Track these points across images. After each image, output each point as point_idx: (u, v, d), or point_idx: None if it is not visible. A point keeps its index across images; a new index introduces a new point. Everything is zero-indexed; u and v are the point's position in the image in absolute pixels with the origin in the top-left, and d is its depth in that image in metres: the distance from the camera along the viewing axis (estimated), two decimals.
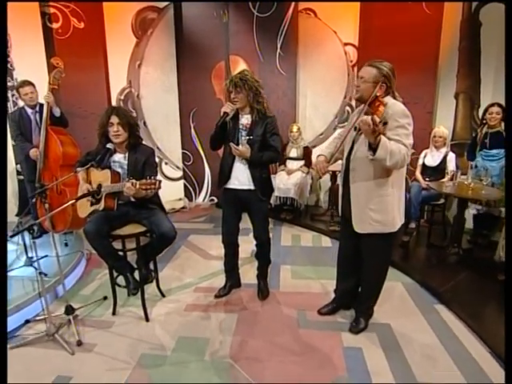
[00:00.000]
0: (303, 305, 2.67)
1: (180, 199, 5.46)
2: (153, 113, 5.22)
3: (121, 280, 2.57)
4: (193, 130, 5.35)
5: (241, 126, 2.50)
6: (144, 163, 2.47)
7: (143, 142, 2.63)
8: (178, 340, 2.29)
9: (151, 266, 2.64)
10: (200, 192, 5.64)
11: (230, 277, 2.87)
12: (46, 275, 2.49)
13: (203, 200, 5.64)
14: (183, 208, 5.29)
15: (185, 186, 5.58)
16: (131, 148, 2.50)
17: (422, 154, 3.85)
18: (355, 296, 2.52)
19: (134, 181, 2.15)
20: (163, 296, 2.81)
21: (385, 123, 1.68)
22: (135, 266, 2.54)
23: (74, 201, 2.25)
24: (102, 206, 2.37)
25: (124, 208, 2.46)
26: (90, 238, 2.32)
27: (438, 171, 3.71)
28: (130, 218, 2.50)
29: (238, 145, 2.46)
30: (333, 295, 2.65)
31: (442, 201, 3.77)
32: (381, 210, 2.07)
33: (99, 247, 2.37)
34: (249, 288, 2.92)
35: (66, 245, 3.42)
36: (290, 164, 4.64)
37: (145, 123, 5.16)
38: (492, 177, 3.36)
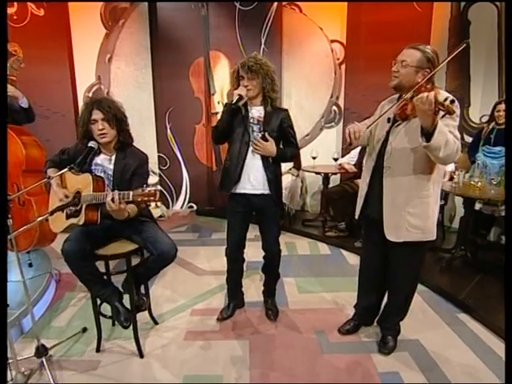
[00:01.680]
0: (320, 324, 2.37)
1: (157, 207, 4.97)
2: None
3: (105, 308, 2.12)
4: (169, 131, 4.91)
5: (251, 120, 2.12)
6: (133, 172, 2.00)
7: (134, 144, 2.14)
8: (183, 380, 1.88)
9: (141, 290, 2.22)
10: (178, 198, 5.22)
11: (234, 296, 2.50)
12: (7, 306, 2.00)
13: (181, 207, 5.21)
14: (161, 217, 4.82)
15: (161, 192, 5.12)
16: (119, 149, 2.03)
17: None
18: (378, 311, 2.26)
19: (116, 196, 1.72)
20: (156, 323, 2.37)
21: (452, 101, 1.41)
22: (122, 291, 2.11)
23: (46, 215, 1.80)
24: (82, 219, 1.91)
25: (108, 221, 1.97)
26: (72, 261, 1.86)
27: None
28: (116, 234, 2.06)
29: (249, 143, 2.11)
30: (348, 310, 2.39)
31: (441, 202, 3.65)
32: (421, 214, 1.80)
33: (82, 271, 1.92)
34: (253, 307, 2.57)
35: (31, 265, 2.86)
36: None
37: None
38: (490, 174, 3.27)
